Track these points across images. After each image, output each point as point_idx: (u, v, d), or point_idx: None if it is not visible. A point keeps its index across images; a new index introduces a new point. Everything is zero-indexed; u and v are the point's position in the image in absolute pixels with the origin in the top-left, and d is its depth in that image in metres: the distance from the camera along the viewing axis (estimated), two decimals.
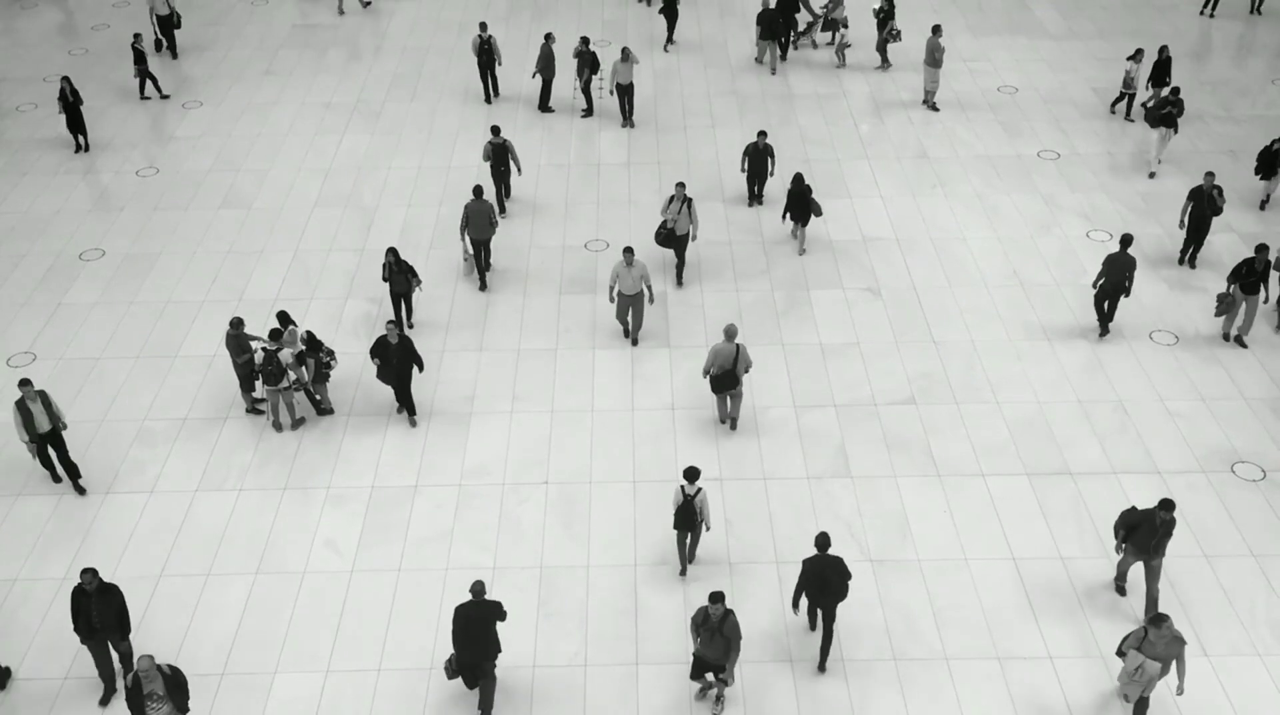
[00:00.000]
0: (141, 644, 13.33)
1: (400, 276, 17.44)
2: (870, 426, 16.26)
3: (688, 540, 14.17)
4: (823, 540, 12.55)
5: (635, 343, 17.67)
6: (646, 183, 21.99)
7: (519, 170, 20.85)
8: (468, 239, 19.21)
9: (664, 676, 12.90)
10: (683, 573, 14.13)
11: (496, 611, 12.17)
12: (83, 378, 17.34)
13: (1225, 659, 13.00)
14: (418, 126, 24.01)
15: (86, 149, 23.13)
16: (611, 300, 17.15)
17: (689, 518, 13.62)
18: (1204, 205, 18.61)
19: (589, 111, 24.24)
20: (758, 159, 20.47)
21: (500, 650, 12.30)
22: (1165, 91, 21.26)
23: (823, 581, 12.52)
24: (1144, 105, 21.62)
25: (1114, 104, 23.90)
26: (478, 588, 12.17)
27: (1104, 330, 17.78)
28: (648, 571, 14.15)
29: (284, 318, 16.31)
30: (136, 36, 24.64)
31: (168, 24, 26.60)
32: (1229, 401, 16.61)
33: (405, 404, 16.22)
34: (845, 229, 20.53)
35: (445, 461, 15.80)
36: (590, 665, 13.05)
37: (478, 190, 18.63)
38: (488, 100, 24.84)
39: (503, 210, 21.06)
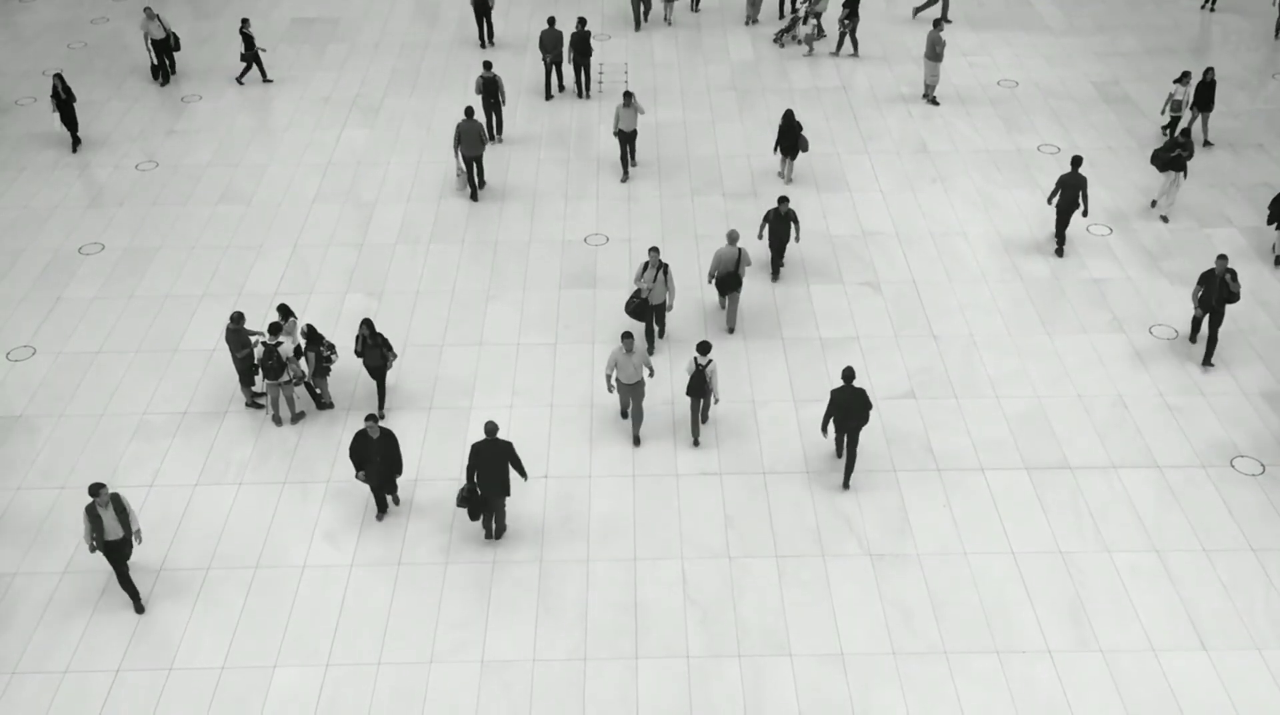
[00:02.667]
0: (141, 640, 13.34)
1: (374, 350, 15.82)
2: (870, 420, 16.24)
3: (699, 407, 15.73)
4: (848, 373, 14.58)
5: (638, 442, 15.80)
6: (646, 178, 21.97)
7: (503, 100, 22.68)
8: (460, 157, 21.20)
9: (663, 671, 12.91)
10: (695, 443, 15.76)
11: (509, 451, 13.79)
12: (82, 372, 17.34)
13: (1224, 653, 13.01)
14: (417, 122, 24.00)
15: (76, 148, 23.00)
16: (611, 389, 15.48)
17: (700, 386, 15.26)
18: (1217, 290, 16.68)
19: (574, 90, 24.89)
20: (779, 225, 18.33)
21: (510, 492, 14.03)
22: (1181, 125, 20.31)
23: (847, 409, 14.59)
24: (1182, 133, 20.21)
25: (1165, 129, 22.56)
26: (491, 427, 13.77)
27: (1059, 249, 19.45)
28: (647, 566, 14.16)
29: (285, 310, 16.31)
30: (244, 22, 24.79)
31: (164, 48, 25.11)
32: (1229, 396, 16.61)
33: (383, 499, 14.63)
34: (845, 223, 20.52)
35: (445, 456, 15.79)
36: (589, 660, 13.06)
37: (468, 111, 20.45)
38: (482, 45, 26.99)
39: (495, 138, 23.07)
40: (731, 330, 17.80)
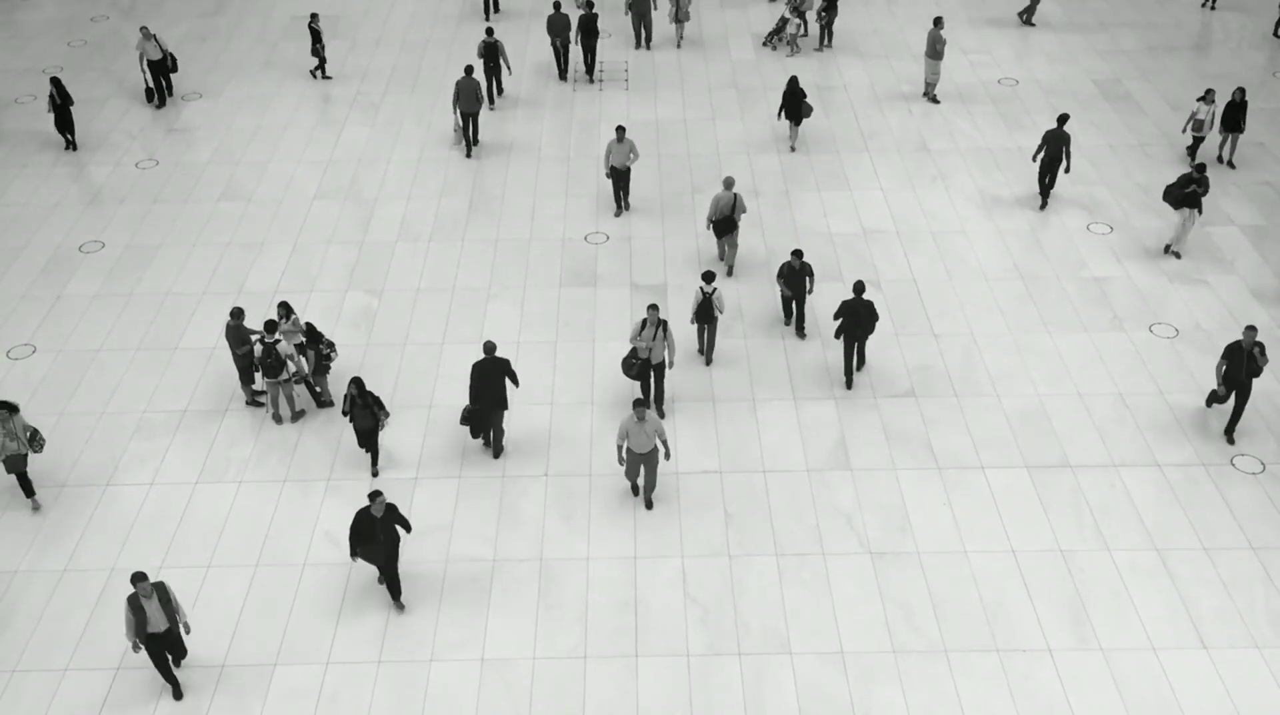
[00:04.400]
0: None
1: (365, 411, 14.79)
2: (870, 419, 16.26)
3: (705, 332, 16.79)
4: (859, 286, 16.08)
5: (650, 506, 14.81)
6: (646, 176, 21.96)
7: (509, 69, 23.67)
8: (458, 113, 22.04)
9: (663, 670, 12.91)
10: (708, 363, 16.96)
11: (507, 368, 14.99)
12: (82, 370, 17.34)
13: (1225, 652, 13.02)
14: (417, 119, 23.99)
15: (74, 148, 22.89)
16: (621, 461, 14.47)
17: (707, 312, 16.40)
18: (1243, 366, 15.19)
19: (588, 71, 25.43)
20: (795, 279, 17.19)
21: (507, 405, 15.17)
22: (1216, 147, 19.96)
23: (857, 317, 16.07)
24: (1221, 156, 19.77)
25: (1190, 150, 21.75)
26: (489, 346, 14.92)
27: (1044, 202, 20.55)
28: (647, 564, 14.16)
29: (285, 308, 16.26)
30: (313, 16, 24.72)
31: (161, 69, 24.09)
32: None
33: (391, 583, 13.46)
34: (845, 221, 20.51)
35: (445, 453, 15.80)
36: (589, 657, 13.07)
37: (468, 69, 21.69)
38: (487, 16, 28.25)
39: (492, 103, 24.11)
40: (730, 272, 18.97)
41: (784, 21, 26.46)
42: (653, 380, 16.02)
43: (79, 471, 15.57)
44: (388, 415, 15.09)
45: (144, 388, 17.01)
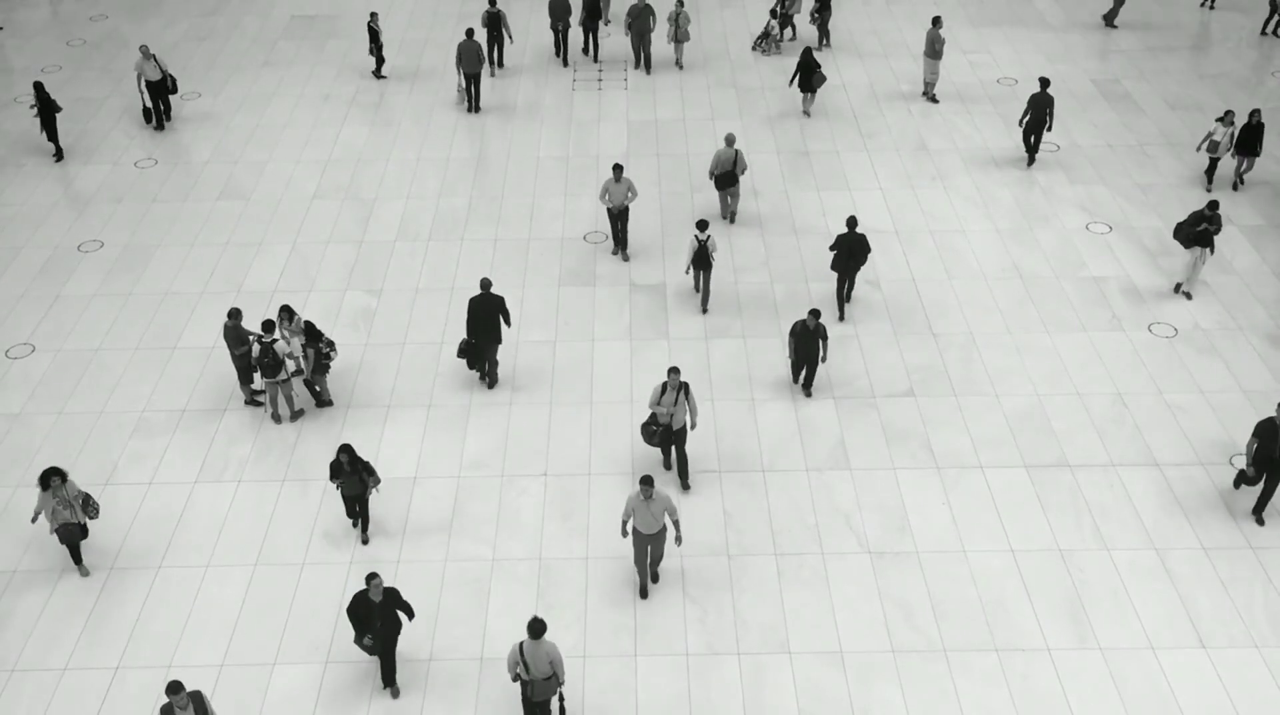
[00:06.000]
0: (140, 637, 13.34)
1: (353, 477, 13.89)
2: (869, 418, 16.26)
3: (701, 279, 17.94)
4: (852, 221, 17.33)
5: (656, 579, 13.91)
6: (645, 175, 21.96)
7: (510, 38, 25.00)
8: (461, 74, 23.47)
9: (662, 669, 12.92)
10: (704, 311, 18.08)
11: (501, 305, 15.94)
12: (81, 369, 17.34)
13: (1223, 651, 13.03)
14: (416, 119, 23.99)
15: (60, 157, 22.48)
16: (625, 534, 13.56)
17: (703, 258, 17.42)
18: (1275, 443, 14.07)
19: (585, 50, 26.17)
20: (808, 341, 16.01)
21: (501, 340, 16.27)
22: (1236, 170, 19.95)
23: (850, 251, 17.24)
24: (1233, 179, 19.63)
25: (1207, 173, 21.04)
26: (486, 282, 15.88)
27: (1031, 160, 21.83)
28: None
29: (287, 311, 16.21)
30: (373, 15, 24.67)
31: (160, 90, 23.22)
32: (1227, 394, 16.61)
33: (386, 667, 12.59)
34: (844, 221, 20.50)
35: (444, 453, 15.79)
36: (589, 657, 13.07)
37: (469, 32, 22.97)
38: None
39: (493, 68, 25.30)
40: (733, 220, 20.27)
41: (769, 25, 26.44)
42: (676, 448, 14.95)
43: (78, 471, 15.56)
44: (378, 481, 14.09)
45: (143, 387, 17.01)
